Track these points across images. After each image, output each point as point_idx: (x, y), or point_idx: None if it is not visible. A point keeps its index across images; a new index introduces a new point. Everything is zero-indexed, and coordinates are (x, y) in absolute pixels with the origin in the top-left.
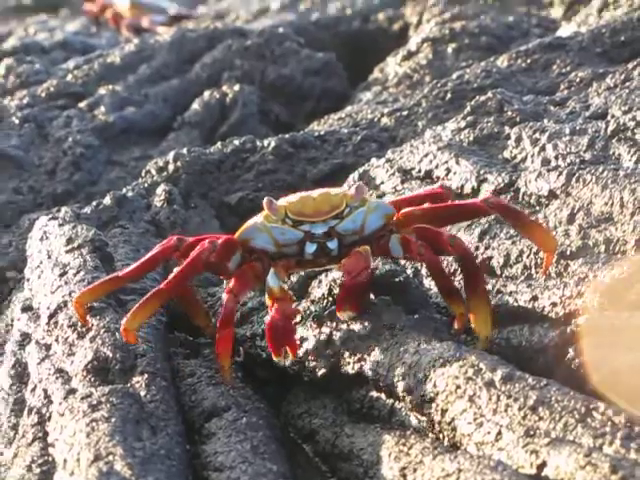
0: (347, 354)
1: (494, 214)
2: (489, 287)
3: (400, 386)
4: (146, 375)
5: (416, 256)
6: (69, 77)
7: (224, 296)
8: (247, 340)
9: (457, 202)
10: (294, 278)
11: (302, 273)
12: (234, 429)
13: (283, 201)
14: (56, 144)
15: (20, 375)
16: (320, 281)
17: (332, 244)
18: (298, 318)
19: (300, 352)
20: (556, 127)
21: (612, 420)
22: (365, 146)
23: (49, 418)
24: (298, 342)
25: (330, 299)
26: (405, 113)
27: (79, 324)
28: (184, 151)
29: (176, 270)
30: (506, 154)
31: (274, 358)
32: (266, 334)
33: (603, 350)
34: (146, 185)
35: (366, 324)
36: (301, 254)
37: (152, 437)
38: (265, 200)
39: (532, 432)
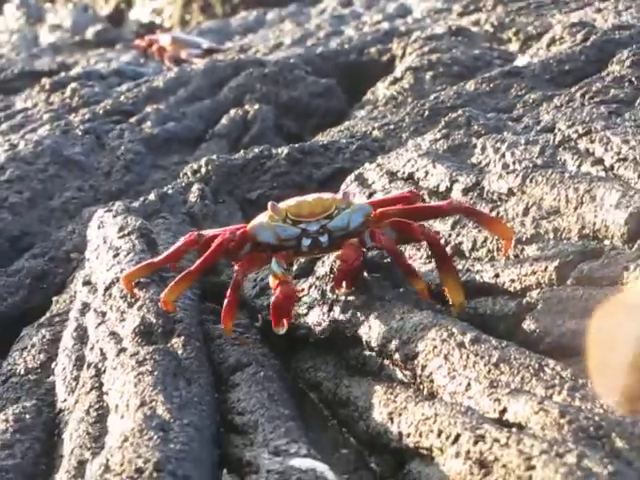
0: (345, 320)
1: (457, 214)
2: (460, 267)
3: (388, 346)
4: (183, 337)
5: (378, 243)
6: (122, 98)
7: (235, 270)
8: (264, 309)
9: (426, 204)
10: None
11: (301, 260)
12: (254, 381)
13: (284, 204)
14: (111, 151)
15: (81, 337)
16: (324, 262)
17: (323, 238)
18: (302, 294)
19: (308, 319)
20: (513, 138)
21: (560, 374)
22: (360, 153)
23: (104, 371)
24: (306, 310)
25: (332, 276)
26: (392, 127)
27: (128, 296)
28: (214, 157)
29: (203, 256)
30: (473, 160)
31: (273, 328)
32: (270, 310)
33: (552, 317)
34: (183, 184)
35: (360, 296)
36: (298, 247)
37: (187, 387)
38: (269, 204)
39: (495, 384)
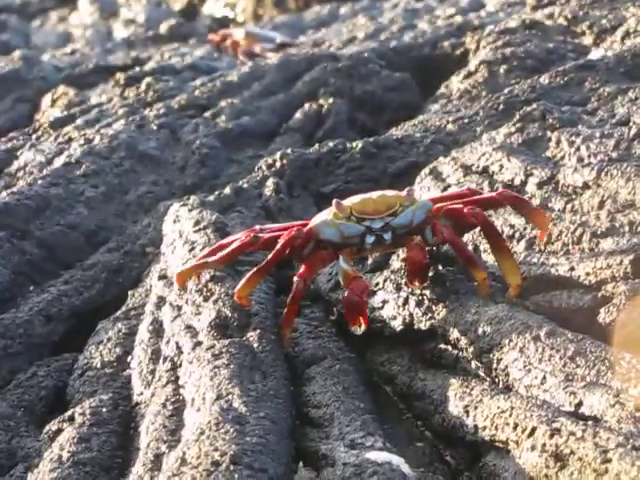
0: (420, 314)
1: (507, 204)
2: (535, 260)
3: (463, 339)
4: (258, 330)
5: (439, 236)
6: (196, 92)
7: (295, 279)
8: (339, 302)
9: (479, 196)
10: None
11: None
12: (329, 374)
13: (348, 202)
14: (186, 146)
15: (157, 330)
16: (398, 255)
17: (387, 236)
18: (376, 288)
19: (383, 312)
20: (588, 131)
21: (636, 367)
22: (434, 147)
23: (180, 365)
24: (381, 304)
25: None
26: (466, 120)
27: (204, 289)
28: (288, 151)
29: (271, 253)
30: (548, 153)
31: (350, 328)
32: (344, 307)
33: (627, 310)
34: (258, 178)
35: (435, 290)
36: (362, 244)
37: (263, 380)
38: (334, 201)
39: (571, 377)
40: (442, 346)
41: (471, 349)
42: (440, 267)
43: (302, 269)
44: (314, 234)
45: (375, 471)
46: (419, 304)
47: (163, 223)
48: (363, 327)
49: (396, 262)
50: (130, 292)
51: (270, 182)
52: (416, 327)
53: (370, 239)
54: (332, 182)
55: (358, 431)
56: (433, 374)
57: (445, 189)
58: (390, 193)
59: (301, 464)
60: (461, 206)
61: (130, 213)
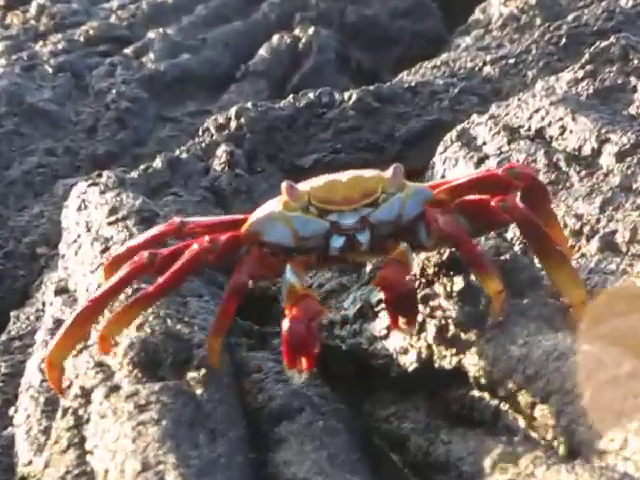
0: (443, 345)
1: (517, 187)
2: (613, 266)
3: (507, 384)
4: (203, 370)
5: (434, 227)
6: (112, 18)
7: (238, 266)
8: (323, 328)
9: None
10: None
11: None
12: (308, 435)
13: (306, 185)
14: (97, 97)
15: None
16: (413, 259)
17: (363, 237)
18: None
19: (388, 343)
20: None
21: None
22: (464, 100)
23: (87, 421)
24: (384, 331)
25: (423, 280)
26: (512, 61)
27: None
28: (249, 105)
29: (166, 274)
30: (632, 110)
31: (285, 370)
32: (282, 339)
33: None
34: (204, 145)
35: (466, 309)
36: (325, 249)
37: (210, 443)
38: (284, 184)
39: None
40: (475, 393)
41: (518, 398)
42: (472, 277)
43: (241, 264)
44: (251, 235)
45: None
46: (441, 331)
47: (62, 211)
48: (304, 375)
49: None
50: (13, 314)
51: (221, 151)
52: (437, 365)
53: (337, 242)
54: (313, 151)
55: None
56: (462, 435)
57: (481, 161)
58: (368, 173)
59: None
60: (486, 197)
61: (13, 196)
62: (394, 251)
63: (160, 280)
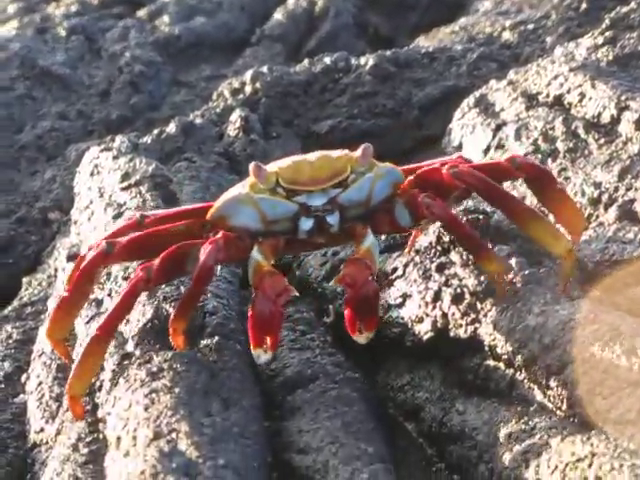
0: (458, 314)
1: (520, 176)
2: (630, 235)
3: (523, 353)
4: (217, 337)
5: (427, 214)
6: None
7: (206, 247)
8: (338, 297)
9: (482, 162)
10: None
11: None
12: (322, 403)
13: (274, 166)
14: (110, 60)
15: None
16: (426, 232)
17: (332, 218)
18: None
19: (403, 312)
20: None
21: None
22: (482, 66)
23: (99, 388)
24: (400, 299)
25: (439, 248)
26: (531, 27)
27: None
28: (264, 70)
29: (109, 309)
30: None
31: (252, 350)
32: (248, 317)
33: None
34: (218, 110)
35: (482, 278)
36: (293, 232)
37: (223, 411)
38: (252, 165)
39: None
40: (490, 363)
41: (534, 368)
42: (489, 245)
43: (210, 242)
44: (217, 219)
45: None
46: (457, 300)
47: (75, 176)
48: (269, 354)
49: (423, 237)
50: (25, 279)
51: (236, 116)
52: (452, 335)
53: (306, 224)
54: (329, 117)
55: None
56: (477, 405)
57: (499, 128)
58: (336, 154)
59: None
60: (433, 168)
61: (25, 161)
62: (363, 236)
63: (104, 319)
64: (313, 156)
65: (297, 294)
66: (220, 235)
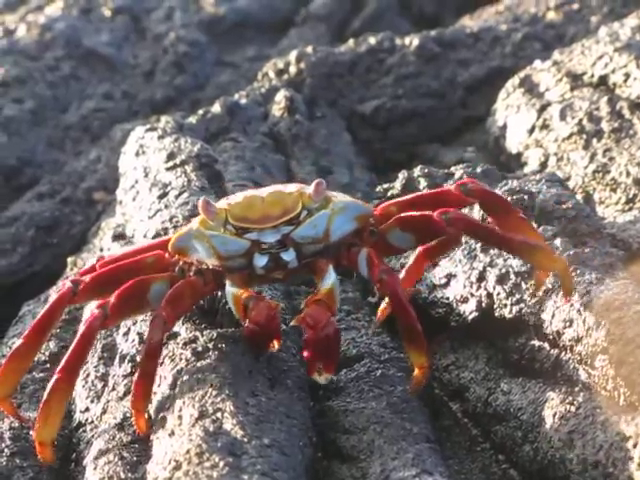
0: (503, 294)
1: (473, 203)
2: None
3: (567, 333)
4: None
5: (376, 282)
6: None
7: (151, 322)
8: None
9: (431, 191)
10: None
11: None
12: (367, 383)
13: (224, 203)
14: (155, 41)
15: None
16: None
17: (288, 255)
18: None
19: (448, 292)
20: None
21: None
22: (527, 46)
23: (160, 363)
24: (444, 280)
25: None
26: (575, 7)
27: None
28: (309, 50)
29: (68, 351)
30: None
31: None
32: (246, 340)
33: None
34: (263, 90)
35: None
36: (250, 267)
37: (268, 391)
38: (200, 201)
39: None
40: (535, 343)
41: (579, 348)
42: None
43: (162, 303)
44: (176, 251)
45: None
46: (502, 280)
47: (120, 156)
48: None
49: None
50: (70, 259)
51: (281, 96)
52: (497, 315)
53: (261, 261)
54: (374, 97)
55: (409, 467)
56: (522, 385)
57: (543, 108)
58: (289, 188)
59: None
60: (423, 214)
61: (70, 141)
62: (324, 272)
63: (64, 361)
64: (265, 191)
65: (282, 306)
66: (163, 305)
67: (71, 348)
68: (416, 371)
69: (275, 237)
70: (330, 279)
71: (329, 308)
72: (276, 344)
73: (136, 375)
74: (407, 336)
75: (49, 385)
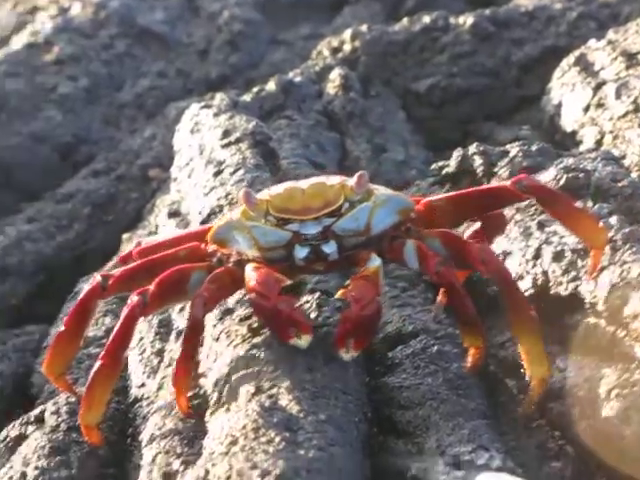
0: (559, 272)
1: (528, 198)
2: None
3: (624, 311)
4: (317, 292)
5: (433, 275)
6: None
7: (192, 302)
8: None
9: (485, 187)
10: None
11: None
12: (423, 359)
13: (265, 193)
14: (209, 19)
15: None
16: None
17: (329, 247)
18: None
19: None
20: None
21: None
22: (582, 25)
23: (201, 343)
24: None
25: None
26: None
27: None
28: (363, 28)
29: (109, 338)
30: None
31: (294, 342)
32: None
33: None
34: (317, 69)
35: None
36: (290, 259)
37: (324, 367)
38: (242, 191)
39: None
40: (591, 320)
41: (635, 324)
42: (590, 203)
43: (202, 287)
44: (217, 242)
45: None
46: (558, 257)
47: (174, 133)
48: (308, 338)
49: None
50: (125, 236)
51: (335, 74)
52: (553, 292)
53: (301, 252)
54: (428, 75)
55: (465, 443)
56: (578, 362)
57: (598, 87)
58: (330, 181)
59: None
60: (468, 241)
61: (125, 119)
62: (366, 261)
63: (106, 348)
64: (306, 183)
65: (289, 282)
66: (204, 286)
67: (112, 335)
68: (472, 351)
69: (316, 229)
70: (375, 262)
71: (376, 286)
72: (307, 332)
73: (178, 355)
74: (464, 324)
75: (92, 371)
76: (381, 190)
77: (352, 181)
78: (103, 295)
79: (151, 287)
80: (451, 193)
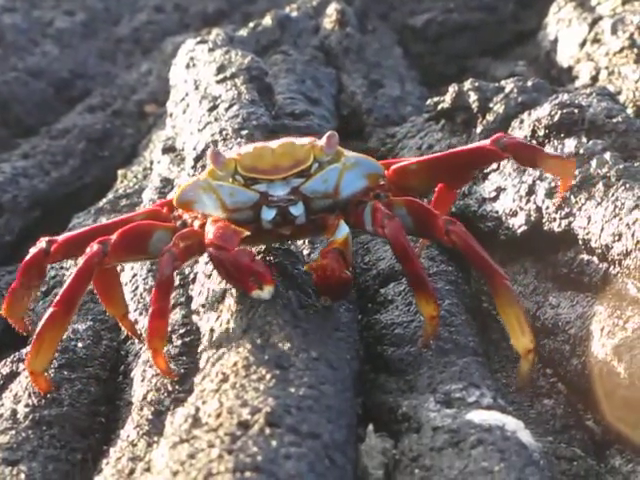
0: (552, 208)
1: (508, 157)
2: None
3: (617, 247)
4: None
5: (379, 229)
6: None
7: (160, 258)
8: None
9: (461, 148)
10: None
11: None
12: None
13: (233, 153)
14: None
15: None
16: (522, 121)
17: (296, 209)
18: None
19: (497, 205)
20: None
21: None
22: None
23: (193, 280)
24: (494, 193)
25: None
26: None
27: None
28: None
29: (65, 285)
30: None
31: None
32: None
33: None
34: (314, 4)
35: (576, 173)
36: (257, 221)
37: (316, 305)
38: (209, 151)
39: None
40: (584, 257)
41: (628, 261)
42: (584, 139)
43: (171, 244)
44: (182, 205)
45: (480, 439)
46: (551, 194)
47: (170, 69)
48: (268, 290)
49: (517, 131)
50: (120, 172)
51: (332, 9)
52: (546, 228)
53: (269, 214)
54: (426, 10)
55: (456, 381)
56: (570, 299)
57: (594, 22)
58: (300, 141)
59: (371, 427)
60: (432, 210)
61: (121, 53)
62: (335, 228)
63: (60, 294)
64: (276, 143)
65: (247, 233)
66: (173, 242)
67: (68, 282)
68: (425, 323)
69: (284, 190)
70: (344, 230)
71: (344, 258)
72: (268, 281)
73: (149, 313)
74: (414, 284)
75: (44, 316)
76: (351, 153)
77: (322, 141)
78: (47, 260)
79: (113, 237)
80: (425, 156)
